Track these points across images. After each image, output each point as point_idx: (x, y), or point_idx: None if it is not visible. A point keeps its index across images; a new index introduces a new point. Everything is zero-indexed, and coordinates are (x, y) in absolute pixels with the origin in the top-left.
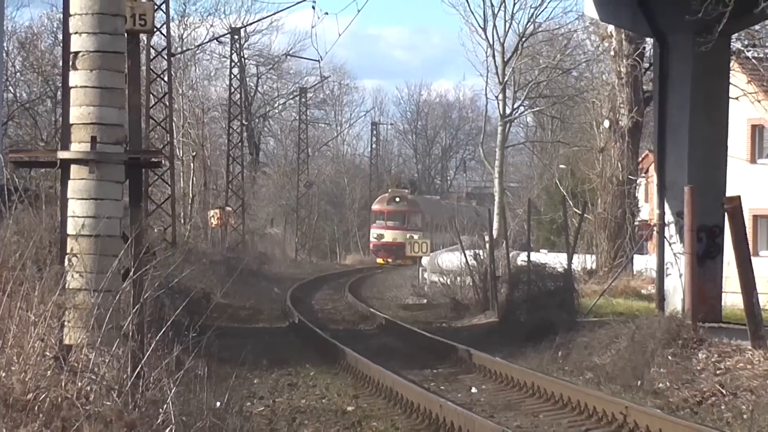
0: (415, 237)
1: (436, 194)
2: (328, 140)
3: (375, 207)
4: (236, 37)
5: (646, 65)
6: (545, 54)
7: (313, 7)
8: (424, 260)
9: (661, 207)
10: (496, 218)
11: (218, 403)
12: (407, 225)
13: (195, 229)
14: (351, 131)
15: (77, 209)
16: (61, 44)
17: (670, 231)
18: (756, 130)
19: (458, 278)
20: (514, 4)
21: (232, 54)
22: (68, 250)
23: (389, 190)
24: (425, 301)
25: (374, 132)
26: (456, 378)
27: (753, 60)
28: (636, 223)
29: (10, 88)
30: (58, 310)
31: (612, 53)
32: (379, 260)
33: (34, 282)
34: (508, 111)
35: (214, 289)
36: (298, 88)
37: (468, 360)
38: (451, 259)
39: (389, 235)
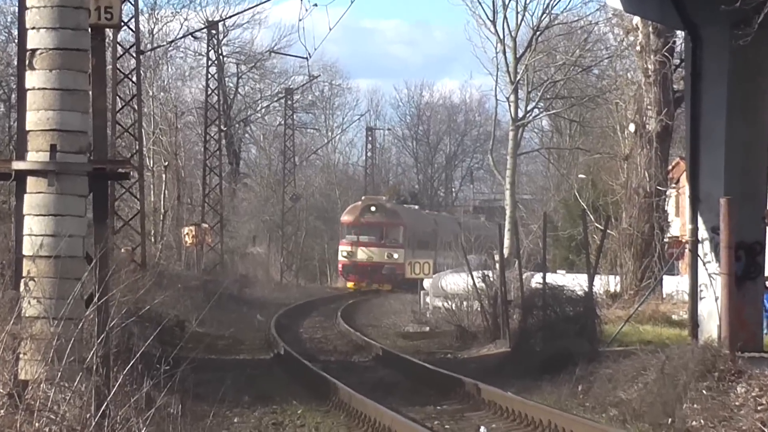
0: (395, 255)
1: (440, 208)
2: (317, 148)
3: (345, 218)
4: (213, 32)
5: (677, 62)
6: (562, 50)
7: None
8: (426, 283)
9: (694, 221)
10: (507, 235)
11: None
12: (385, 240)
13: (167, 249)
14: (343, 137)
15: (35, 227)
16: (16, 41)
17: (705, 249)
18: None
19: (465, 303)
20: None
21: (209, 51)
22: (24, 273)
23: (362, 198)
24: (427, 328)
25: (369, 138)
26: (463, 416)
27: None
28: (665, 239)
29: None
30: (12, 341)
31: (638, 48)
32: (350, 284)
33: None
34: (520, 114)
35: (189, 317)
36: (283, 89)
37: (476, 395)
38: (456, 281)
39: (363, 253)
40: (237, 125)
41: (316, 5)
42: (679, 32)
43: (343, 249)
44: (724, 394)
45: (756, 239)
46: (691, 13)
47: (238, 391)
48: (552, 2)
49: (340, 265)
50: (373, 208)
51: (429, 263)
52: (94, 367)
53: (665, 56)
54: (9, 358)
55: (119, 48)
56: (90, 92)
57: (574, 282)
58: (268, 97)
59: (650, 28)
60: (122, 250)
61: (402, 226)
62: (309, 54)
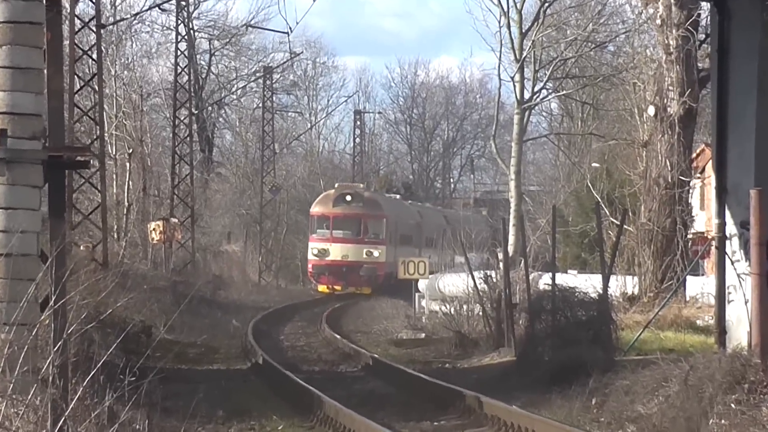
0: (375, 253)
1: (436, 200)
2: (299, 133)
3: (315, 210)
4: (183, 3)
5: (702, 37)
6: (574, 23)
7: None
8: (422, 284)
9: (721, 216)
10: (511, 230)
11: None
12: (364, 235)
13: (132, 246)
14: (329, 122)
15: None
16: None
17: (733, 246)
18: None
19: (465, 306)
20: None
21: (178, 25)
22: None
23: (336, 185)
24: (423, 335)
25: (358, 122)
26: None
27: None
28: (689, 236)
29: None
30: None
31: (658, 22)
32: (322, 287)
33: None
34: (526, 95)
35: (157, 322)
36: (261, 67)
37: (478, 409)
38: (455, 282)
39: (337, 251)
40: (210, 108)
41: None
42: (704, 4)
43: (314, 246)
44: (755, 408)
45: None
46: None
47: (212, 404)
48: None
49: (309, 265)
50: (348, 198)
51: (425, 262)
52: (51, 378)
53: (689, 31)
54: None
55: (77, 21)
56: (45, 71)
57: (587, 283)
58: (245, 76)
59: (672, 0)
60: (81, 248)
61: (384, 218)
62: (290, 28)
